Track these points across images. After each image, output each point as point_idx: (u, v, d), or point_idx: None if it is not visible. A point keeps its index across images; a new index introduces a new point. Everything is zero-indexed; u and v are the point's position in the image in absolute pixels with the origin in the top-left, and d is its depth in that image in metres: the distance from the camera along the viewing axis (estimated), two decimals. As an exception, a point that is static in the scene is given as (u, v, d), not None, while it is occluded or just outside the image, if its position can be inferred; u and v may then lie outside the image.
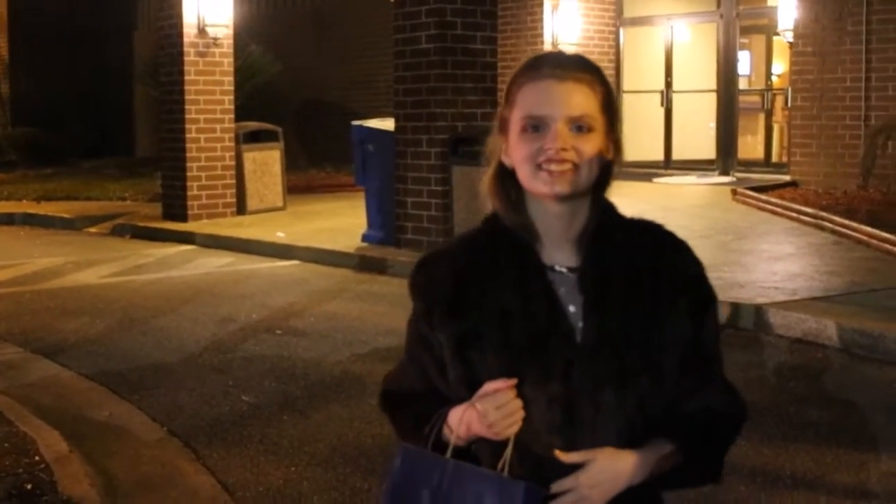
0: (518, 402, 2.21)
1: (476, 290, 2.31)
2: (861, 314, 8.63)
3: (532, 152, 2.25)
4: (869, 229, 11.89)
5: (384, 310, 10.03)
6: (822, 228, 12.87)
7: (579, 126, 2.25)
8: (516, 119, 2.29)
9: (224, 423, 6.83)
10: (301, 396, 7.37)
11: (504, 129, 2.34)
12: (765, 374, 7.70)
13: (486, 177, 2.38)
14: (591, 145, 2.25)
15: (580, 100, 2.26)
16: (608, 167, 2.32)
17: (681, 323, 2.31)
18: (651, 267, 2.31)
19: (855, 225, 12.29)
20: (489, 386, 2.22)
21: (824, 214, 13.11)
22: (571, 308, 2.28)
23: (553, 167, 2.23)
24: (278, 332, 9.26)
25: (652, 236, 2.37)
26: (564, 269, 2.31)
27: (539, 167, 2.25)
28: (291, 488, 5.75)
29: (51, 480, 5.63)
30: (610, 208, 2.36)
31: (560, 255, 2.32)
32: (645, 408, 2.28)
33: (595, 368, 2.25)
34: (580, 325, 2.27)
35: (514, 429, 2.21)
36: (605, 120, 2.29)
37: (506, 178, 2.34)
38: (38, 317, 10.08)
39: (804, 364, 7.87)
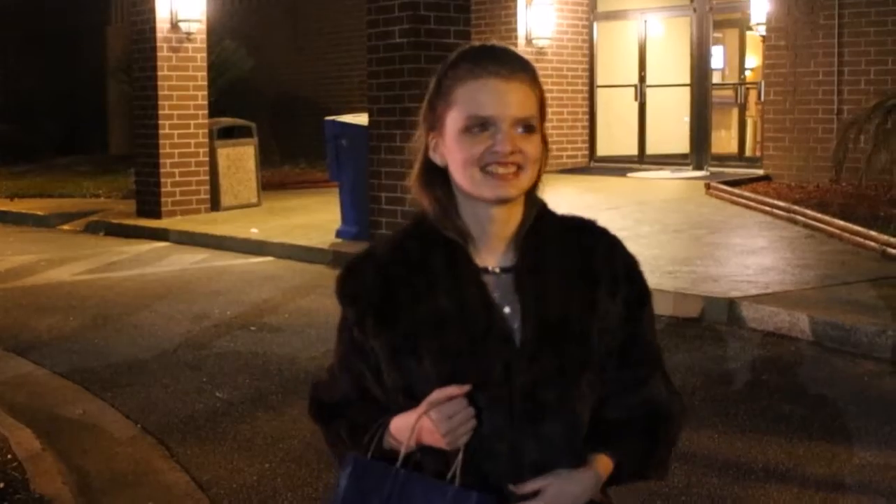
0: (470, 411, 2.17)
1: (408, 296, 2.26)
2: (833, 307, 8.68)
3: (476, 154, 2.19)
4: (841, 223, 11.95)
5: (358, 305, 10.01)
6: (795, 222, 12.92)
7: (525, 127, 2.21)
8: (456, 118, 2.21)
9: (198, 420, 6.83)
10: (275, 393, 7.37)
11: (437, 126, 2.26)
12: (737, 368, 7.74)
13: (412, 175, 2.32)
14: (534, 146, 2.22)
15: (524, 100, 2.22)
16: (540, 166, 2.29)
17: (618, 318, 2.30)
18: (586, 264, 2.30)
19: (827, 218, 12.35)
20: (439, 393, 2.16)
21: (797, 208, 13.16)
22: (507, 309, 2.24)
23: (500, 170, 2.18)
24: (252, 328, 9.26)
25: (586, 233, 2.35)
26: (498, 270, 2.27)
27: (484, 170, 2.19)
28: (265, 485, 5.75)
29: (23, 478, 5.62)
30: (543, 207, 2.33)
31: (494, 256, 2.28)
32: (587, 405, 2.27)
33: (534, 369, 2.21)
34: (517, 325, 2.23)
35: (466, 438, 2.17)
36: (541, 119, 2.26)
37: (433, 176, 2.28)
38: (12, 314, 10.04)
39: (777, 357, 7.91)
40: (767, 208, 13.80)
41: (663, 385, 2.38)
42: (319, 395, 2.47)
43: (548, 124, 2.34)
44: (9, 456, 5.95)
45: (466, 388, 2.15)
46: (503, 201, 2.22)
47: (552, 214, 2.34)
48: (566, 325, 2.24)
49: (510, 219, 2.27)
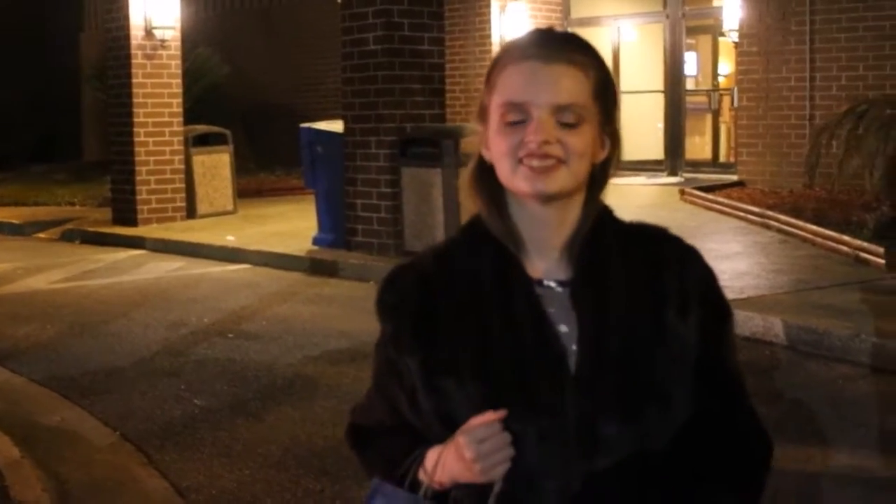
0: (506, 436, 1.89)
1: (451, 309, 2.01)
2: (806, 311, 8.75)
3: (512, 146, 1.95)
4: (814, 227, 12.04)
5: (336, 312, 10.06)
6: (769, 227, 13.01)
7: (567, 116, 1.94)
8: (496, 107, 1.98)
9: (176, 427, 6.84)
10: (253, 399, 7.39)
11: (484, 117, 2.03)
12: (712, 372, 7.81)
13: (465, 174, 2.09)
14: (579, 139, 1.95)
15: (569, 85, 1.95)
16: (605, 165, 2.04)
17: (691, 341, 2.00)
18: (654, 278, 2.01)
19: (800, 223, 12.44)
20: (474, 420, 1.90)
21: (770, 213, 13.26)
22: (563, 328, 1.97)
23: (535, 163, 1.93)
24: (230, 335, 9.27)
25: (655, 243, 2.07)
26: (554, 283, 2.00)
27: (520, 162, 1.94)
28: (244, 490, 5.78)
29: (2, 486, 5.63)
30: (606, 212, 2.06)
31: (548, 267, 2.01)
32: (653, 445, 1.96)
33: (591, 398, 1.93)
34: (574, 347, 1.95)
35: (502, 469, 1.90)
36: (598, 110, 1.99)
37: (487, 175, 2.03)
38: (-12, 322, 10.04)
39: (751, 361, 7.97)
40: (741, 213, 13.89)
41: (746, 421, 2.07)
42: (355, 419, 2.22)
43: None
44: (-13, 464, 5.96)
45: (503, 413, 1.89)
46: (542, 197, 1.96)
47: (616, 220, 2.07)
48: (629, 349, 1.96)
49: (564, 222, 2.01)
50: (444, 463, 1.95)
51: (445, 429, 1.97)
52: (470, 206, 2.08)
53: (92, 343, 9.12)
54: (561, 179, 1.95)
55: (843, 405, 7.02)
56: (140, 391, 7.64)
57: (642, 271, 2.02)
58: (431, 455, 1.99)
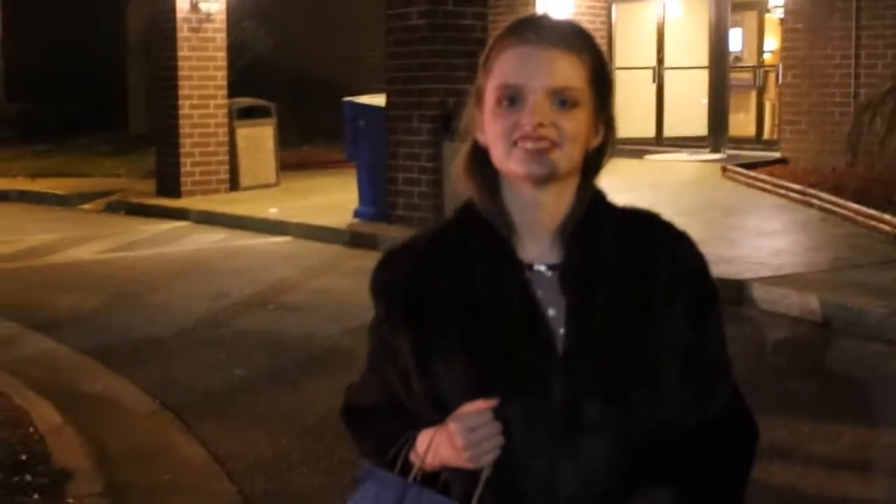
0: (497, 425, 1.92)
1: (442, 291, 2.03)
2: (843, 289, 8.76)
3: (507, 128, 1.96)
4: (855, 206, 12.01)
5: (375, 285, 10.14)
6: (810, 205, 12.99)
7: (562, 100, 1.95)
8: (491, 89, 2.00)
9: (215, 396, 6.97)
10: (291, 370, 7.51)
11: (480, 100, 2.04)
12: (746, 348, 7.82)
13: (459, 157, 2.08)
14: (574, 123, 1.96)
15: (564, 69, 1.96)
16: (600, 150, 2.05)
17: (679, 326, 2.01)
18: (644, 263, 2.02)
19: (841, 202, 12.41)
20: (466, 407, 1.93)
21: (811, 191, 13.23)
22: (552, 311, 1.99)
23: (529, 145, 1.94)
24: (270, 307, 9.39)
25: (646, 228, 2.07)
26: (544, 267, 2.02)
27: (514, 144, 1.95)
28: (281, 459, 5.88)
29: (45, 451, 5.76)
30: (599, 197, 2.07)
31: (539, 251, 2.03)
32: (639, 427, 1.97)
33: (578, 380, 1.95)
34: (561, 331, 1.97)
35: (491, 456, 1.93)
36: (593, 94, 2.00)
37: (481, 159, 2.04)
38: (33, 292, 10.19)
39: (786, 338, 8.00)
40: (783, 191, 13.87)
41: (732, 405, 2.07)
42: (351, 399, 2.26)
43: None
44: (31, 429, 6.10)
45: (495, 401, 1.92)
46: (536, 180, 1.97)
47: (608, 205, 2.08)
48: (615, 334, 1.98)
49: (557, 206, 2.02)
50: (436, 448, 1.98)
51: (436, 411, 2.00)
52: (463, 190, 2.08)
53: (134, 313, 9.26)
54: (554, 162, 1.96)
55: (876, 383, 7.04)
56: (180, 361, 7.78)
57: (632, 256, 2.03)
58: (423, 438, 2.01)
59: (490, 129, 2.00)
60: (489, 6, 13.46)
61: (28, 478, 5.35)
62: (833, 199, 12.63)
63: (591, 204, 2.04)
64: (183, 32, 16.04)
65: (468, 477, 1.96)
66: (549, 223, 2.03)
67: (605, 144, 2.05)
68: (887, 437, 6.04)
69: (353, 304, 9.31)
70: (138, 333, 8.52)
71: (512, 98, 1.96)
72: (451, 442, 1.93)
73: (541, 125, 1.93)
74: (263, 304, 9.49)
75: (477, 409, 1.92)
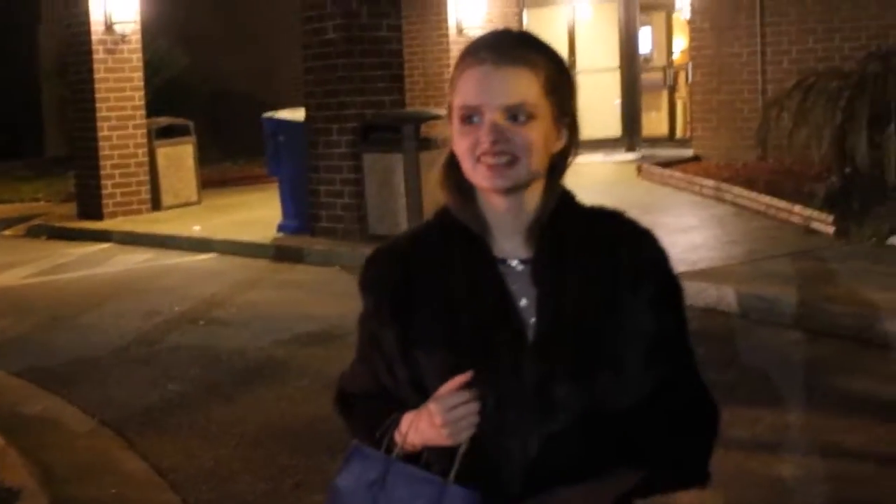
0: (474, 404, 2.10)
1: (423, 286, 2.22)
2: (758, 280, 9.08)
3: (470, 145, 2.14)
4: (767, 199, 12.37)
5: (303, 297, 10.33)
6: (723, 200, 13.35)
7: (517, 115, 2.12)
8: (455, 108, 2.18)
9: (154, 412, 7.10)
10: (227, 382, 7.66)
11: (451, 116, 2.21)
12: (668, 341, 8.10)
13: (436, 165, 2.27)
14: (532, 134, 2.13)
15: (517, 86, 2.12)
16: (563, 153, 2.21)
17: (642, 314, 2.17)
18: (609, 256, 2.19)
19: (754, 195, 12.77)
20: (444, 388, 2.11)
21: (725, 186, 13.59)
22: (524, 302, 2.17)
23: (490, 160, 2.12)
24: (201, 322, 9.52)
25: (612, 224, 2.25)
26: (516, 262, 2.20)
27: (477, 160, 2.14)
28: (222, 468, 6.05)
29: (-10, 473, 5.87)
30: (567, 196, 2.25)
31: (512, 248, 2.21)
32: (605, 408, 2.14)
33: (548, 364, 2.12)
34: (532, 319, 2.15)
35: (468, 433, 2.10)
36: (550, 103, 2.16)
37: (456, 169, 2.22)
38: (-38, 319, 10.24)
39: (705, 330, 8.26)
40: (697, 187, 14.23)
41: (694, 388, 2.25)
42: (342, 385, 2.44)
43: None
44: (-27, 453, 6.20)
45: (468, 375, 2.10)
46: (502, 191, 2.16)
47: (575, 204, 2.26)
48: (582, 321, 2.15)
49: (525, 208, 2.20)
50: (417, 427, 2.15)
51: (417, 395, 2.18)
52: (439, 197, 2.25)
53: (67, 335, 9.35)
54: (516, 174, 2.13)
55: (791, 369, 7.34)
56: (117, 379, 7.90)
57: (598, 250, 2.19)
58: (406, 419, 2.18)
59: (457, 145, 2.18)
60: (402, 17, 13.66)
61: (-25, 499, 5.47)
62: (745, 192, 13.00)
63: (559, 202, 2.21)
64: (98, 55, 16.03)
65: (447, 455, 2.12)
66: (520, 222, 2.20)
67: (568, 146, 2.22)
68: (803, 418, 6.33)
69: (283, 316, 9.51)
70: (73, 354, 8.62)
71: (470, 117, 2.14)
72: (432, 421, 2.11)
73: (496, 142, 2.11)
74: (194, 320, 9.62)
75: (454, 388, 2.10)
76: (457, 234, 2.23)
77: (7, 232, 16.63)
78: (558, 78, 2.19)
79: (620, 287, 2.17)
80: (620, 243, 2.21)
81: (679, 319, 2.26)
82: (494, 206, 2.20)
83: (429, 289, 2.22)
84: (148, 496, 5.79)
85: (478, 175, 2.15)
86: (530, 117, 2.13)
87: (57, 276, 12.39)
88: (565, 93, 2.21)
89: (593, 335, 2.15)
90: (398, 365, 2.24)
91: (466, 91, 2.15)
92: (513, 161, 2.12)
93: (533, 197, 2.20)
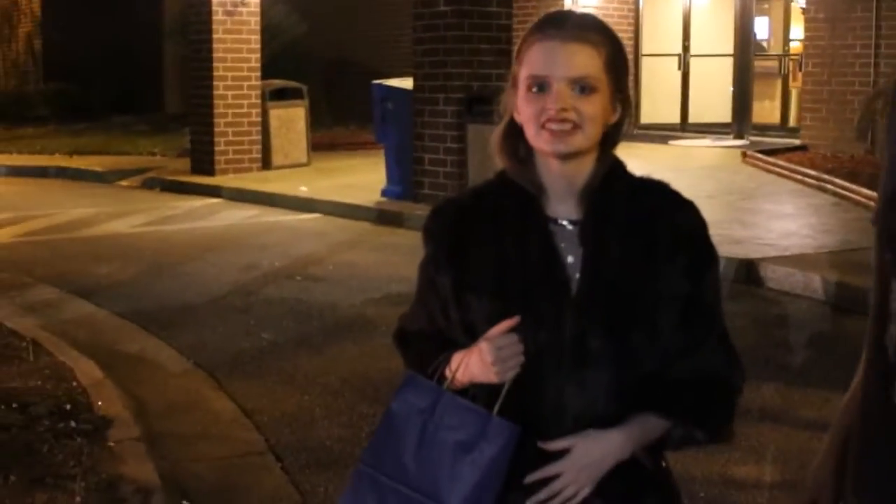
0: (520, 346, 2.28)
1: (479, 238, 2.39)
2: (847, 270, 9.11)
3: (536, 112, 2.32)
4: (868, 192, 12.32)
5: (400, 260, 10.57)
6: (825, 190, 13.34)
7: (581, 87, 2.31)
8: (523, 78, 2.36)
9: (244, 358, 7.42)
10: (316, 335, 7.96)
11: (515, 86, 2.40)
12: (749, 323, 8.19)
13: (496, 132, 2.45)
14: (592, 106, 2.31)
15: (582, 60, 2.31)
16: (618, 125, 2.40)
17: (678, 279, 2.34)
18: (651, 223, 2.36)
19: (855, 187, 12.75)
20: (494, 330, 2.30)
21: (826, 177, 13.57)
22: (570, 259, 2.34)
23: (553, 126, 2.30)
24: (298, 278, 9.85)
25: (656, 193, 2.42)
26: (566, 222, 2.37)
27: (542, 126, 2.32)
28: (304, 413, 6.33)
29: (87, 402, 6.22)
30: (618, 165, 2.42)
31: (564, 209, 2.38)
32: (638, 363, 2.32)
33: (586, 318, 2.30)
34: (577, 276, 2.32)
35: (514, 372, 2.28)
36: (609, 80, 2.34)
37: (515, 133, 2.41)
38: (73, 262, 10.68)
39: (787, 314, 8.40)
40: (799, 177, 14.21)
41: (722, 349, 2.41)
42: (402, 324, 2.62)
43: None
44: (73, 383, 6.56)
45: (516, 319, 2.28)
46: (560, 156, 2.34)
47: (625, 173, 2.43)
48: (620, 281, 2.32)
49: (579, 174, 2.37)
50: (467, 364, 2.34)
51: (467, 336, 2.38)
52: (498, 161, 2.44)
53: (169, 282, 9.74)
54: (576, 141, 2.32)
55: (868, 356, 7.41)
56: (212, 326, 8.24)
57: (641, 217, 2.36)
58: (456, 358, 2.37)
59: (523, 112, 2.37)
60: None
61: (72, 424, 5.81)
62: (847, 184, 12.97)
63: (610, 171, 2.39)
64: (218, 16, 16.48)
65: (491, 392, 2.31)
66: (573, 187, 2.38)
67: (621, 120, 2.41)
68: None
69: (378, 276, 9.78)
70: (173, 300, 8.99)
71: (540, 86, 2.33)
72: (482, 359, 2.30)
73: (563, 110, 2.30)
74: (292, 275, 9.94)
75: (502, 330, 2.29)
76: (514, 192, 2.41)
77: (123, 182, 17.18)
78: (617, 57, 2.38)
79: (659, 253, 2.34)
80: (662, 212, 2.38)
81: (712, 286, 2.41)
82: (552, 170, 2.38)
83: (484, 240, 2.39)
84: (234, 434, 6.08)
85: (541, 140, 2.33)
86: (592, 90, 2.32)
87: (165, 227, 12.83)
88: (622, 72, 2.39)
89: (631, 295, 2.32)
90: (452, 308, 2.42)
91: (535, 62, 2.34)
92: (574, 128, 2.31)
93: (587, 164, 2.38)
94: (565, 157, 2.35)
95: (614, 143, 2.42)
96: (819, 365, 7.16)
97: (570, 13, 2.44)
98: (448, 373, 2.39)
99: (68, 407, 6.09)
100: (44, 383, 6.53)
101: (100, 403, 6.18)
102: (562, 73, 2.31)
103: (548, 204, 2.39)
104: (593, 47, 2.33)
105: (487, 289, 2.37)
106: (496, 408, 2.30)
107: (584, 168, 2.38)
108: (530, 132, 2.35)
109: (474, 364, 2.33)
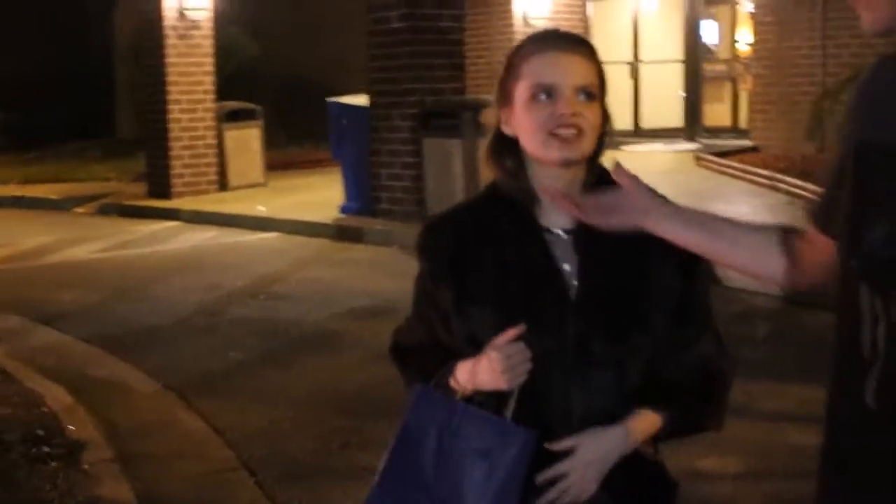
0: (528, 353, 2.34)
1: (477, 251, 2.45)
2: (802, 266, 9.27)
3: (543, 119, 2.38)
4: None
5: (361, 274, 10.70)
6: (778, 190, 13.54)
7: (587, 94, 2.39)
8: (524, 88, 2.41)
9: (213, 377, 7.50)
10: (283, 351, 8.05)
11: (506, 100, 2.46)
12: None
13: (484, 147, 2.52)
14: (594, 113, 2.40)
15: (585, 69, 2.40)
16: (603, 135, 2.46)
17: (671, 277, 2.43)
18: (641, 228, 2.38)
19: (808, 186, 12.92)
20: (500, 339, 2.35)
21: (779, 176, 13.78)
22: (567, 267, 2.41)
23: (563, 132, 2.36)
24: (261, 296, 9.92)
25: None
26: (561, 231, 2.44)
27: (551, 134, 2.37)
28: (275, 428, 6.42)
29: (59, 427, 6.28)
30: (604, 173, 2.44)
31: (557, 218, 2.43)
32: (638, 362, 2.42)
33: (587, 323, 2.38)
34: (574, 283, 2.40)
35: (523, 378, 2.35)
36: (601, 90, 2.44)
37: (503, 146, 2.48)
38: (35, 290, 10.69)
39: (745, 310, 8.54)
40: (752, 177, 14.42)
41: (714, 343, 2.49)
42: (397, 339, 2.67)
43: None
44: (44, 409, 6.62)
45: (522, 328, 2.33)
46: (567, 163, 2.40)
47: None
48: (618, 285, 2.41)
49: (573, 181, 2.43)
50: (475, 373, 2.39)
51: (471, 347, 2.43)
52: (488, 173, 2.52)
53: (133, 306, 9.79)
54: (582, 147, 2.39)
55: (825, 349, 7.54)
56: (179, 347, 8.31)
57: None
58: (463, 367, 2.43)
59: (525, 122, 2.42)
60: (467, 7, 13.96)
61: (45, 449, 5.86)
62: (799, 183, 13.16)
63: (598, 179, 2.44)
64: (171, 40, 16.49)
65: (498, 399, 2.38)
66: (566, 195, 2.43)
67: (605, 130, 2.49)
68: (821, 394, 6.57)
69: (341, 291, 9.88)
70: (139, 323, 9.05)
71: (547, 93, 2.39)
72: (491, 367, 2.35)
73: (574, 114, 2.37)
74: (255, 294, 10.02)
75: (508, 338, 2.34)
76: (507, 205, 2.48)
77: (79, 209, 17.11)
78: (602, 70, 2.48)
79: (651, 256, 2.41)
80: None
81: (703, 285, 2.52)
82: (547, 179, 2.43)
83: (481, 253, 2.46)
84: (206, 452, 6.16)
85: (550, 147, 2.39)
86: (593, 98, 2.42)
87: (125, 252, 12.86)
88: (605, 84, 2.49)
89: (627, 299, 2.42)
90: (454, 320, 2.48)
91: (540, 72, 2.41)
92: (580, 134, 2.38)
93: (580, 172, 2.46)
94: (569, 164, 2.42)
95: (601, 152, 2.50)
96: (778, 357, 7.33)
97: (557, 30, 2.55)
98: (454, 383, 2.46)
99: (41, 432, 6.14)
100: (14, 410, 6.58)
101: (72, 427, 6.24)
102: (570, 80, 2.39)
103: (541, 214, 2.46)
104: (589, 59, 2.44)
105: (489, 299, 2.43)
106: (509, 414, 2.38)
107: (578, 176, 2.46)
108: (536, 140, 2.41)
109: (483, 372, 2.39)
